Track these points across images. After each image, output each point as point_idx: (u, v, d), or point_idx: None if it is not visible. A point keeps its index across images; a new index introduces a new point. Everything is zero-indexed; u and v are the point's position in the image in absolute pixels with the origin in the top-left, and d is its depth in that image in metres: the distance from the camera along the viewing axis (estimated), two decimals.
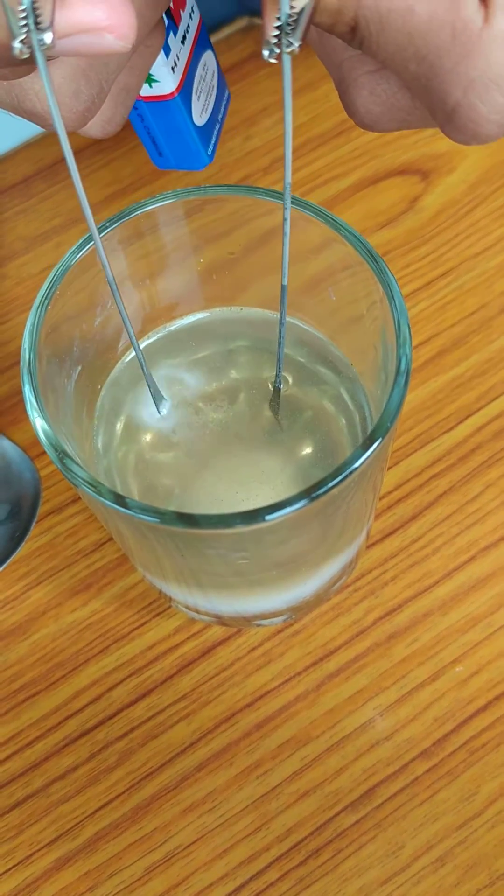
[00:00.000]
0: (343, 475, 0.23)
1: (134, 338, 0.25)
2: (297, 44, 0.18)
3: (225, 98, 0.35)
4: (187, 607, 0.33)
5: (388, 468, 0.36)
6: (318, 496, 0.22)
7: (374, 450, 0.23)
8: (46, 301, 0.24)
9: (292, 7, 0.18)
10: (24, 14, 0.17)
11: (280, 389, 0.30)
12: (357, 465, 0.23)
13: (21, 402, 0.38)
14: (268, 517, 0.22)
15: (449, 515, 0.36)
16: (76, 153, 0.44)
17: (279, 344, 0.27)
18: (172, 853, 0.31)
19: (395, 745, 0.32)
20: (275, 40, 0.18)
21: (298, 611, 0.33)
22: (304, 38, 0.18)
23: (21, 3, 0.17)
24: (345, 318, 0.29)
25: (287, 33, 0.18)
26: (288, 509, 0.22)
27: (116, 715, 0.33)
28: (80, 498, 0.37)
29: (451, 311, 0.39)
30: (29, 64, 0.19)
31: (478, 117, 0.20)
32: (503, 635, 0.34)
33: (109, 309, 0.27)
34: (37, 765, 0.33)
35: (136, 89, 0.26)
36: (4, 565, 0.35)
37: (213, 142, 0.33)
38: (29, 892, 0.31)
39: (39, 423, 0.23)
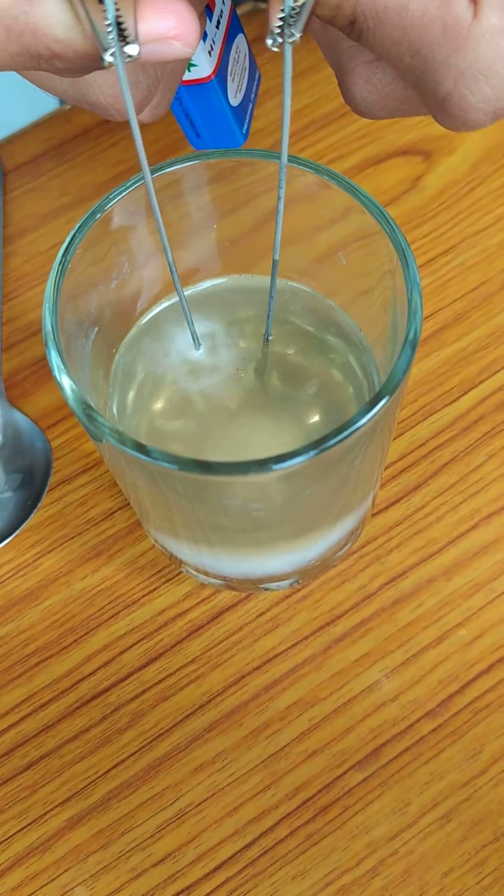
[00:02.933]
0: (350, 430, 0.24)
1: (176, 275, 0.26)
2: (298, 35, 0.20)
3: (256, 78, 0.36)
4: (197, 570, 0.33)
5: (393, 439, 0.37)
6: (325, 448, 0.23)
7: (381, 408, 0.24)
8: (66, 261, 0.25)
9: (295, 0, 0.19)
10: (109, 28, 0.19)
11: (269, 342, 0.31)
12: (363, 421, 0.24)
13: (31, 374, 0.39)
14: (275, 466, 0.23)
15: (452, 485, 0.36)
16: (86, 132, 0.44)
17: (269, 310, 0.28)
18: (184, 811, 0.32)
19: (400, 706, 0.33)
20: (278, 31, 0.20)
21: (305, 575, 0.34)
22: (305, 30, 0.20)
23: (106, 18, 0.19)
24: (357, 287, 0.29)
25: (290, 24, 0.19)
26: (296, 459, 0.23)
27: (128, 678, 0.34)
28: (90, 468, 0.37)
29: (454, 287, 0.40)
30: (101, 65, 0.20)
31: (467, 106, 0.21)
32: None
33: (126, 273, 0.28)
34: (50, 726, 0.33)
35: (181, 74, 0.27)
36: (16, 533, 0.36)
37: (247, 121, 0.34)
38: (43, 850, 0.32)
39: (66, 382, 0.24)
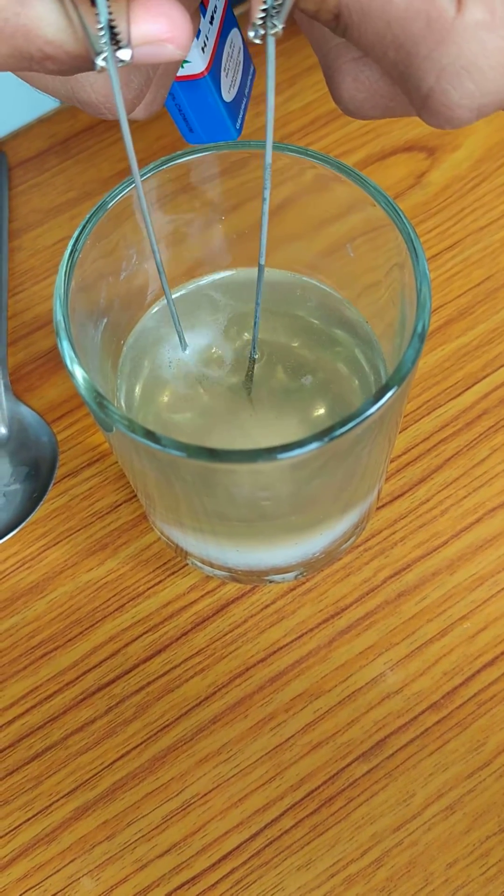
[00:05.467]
0: (357, 420, 0.24)
1: (163, 273, 0.26)
2: (280, 26, 0.20)
3: (251, 73, 0.36)
4: (202, 562, 0.33)
5: (398, 433, 0.37)
6: (333, 437, 0.23)
7: (388, 399, 0.24)
8: (77, 251, 0.25)
9: None
10: (102, 32, 0.19)
11: (254, 361, 0.31)
12: (371, 411, 0.24)
13: (37, 368, 0.39)
14: (283, 454, 0.23)
15: (456, 478, 0.36)
16: (90, 128, 0.44)
17: (254, 321, 0.28)
18: (189, 802, 0.32)
19: (405, 698, 0.33)
20: (260, 22, 0.20)
21: (310, 567, 0.34)
22: (287, 22, 0.20)
23: (98, 22, 0.18)
24: (365, 280, 0.30)
25: (272, 16, 0.19)
26: (304, 448, 0.23)
27: (133, 670, 0.34)
28: (96, 461, 0.37)
29: (458, 282, 0.40)
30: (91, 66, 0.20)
31: (450, 102, 0.21)
32: None
33: (134, 265, 0.28)
34: (55, 718, 0.34)
35: (174, 72, 0.27)
36: (22, 526, 0.36)
37: (240, 116, 0.34)
38: (48, 840, 0.32)
39: (79, 372, 0.24)
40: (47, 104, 0.45)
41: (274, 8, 0.19)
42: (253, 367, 0.31)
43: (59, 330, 0.24)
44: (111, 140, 0.44)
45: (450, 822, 0.32)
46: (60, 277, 0.25)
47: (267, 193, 0.24)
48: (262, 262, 0.26)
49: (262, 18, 0.20)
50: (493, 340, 0.39)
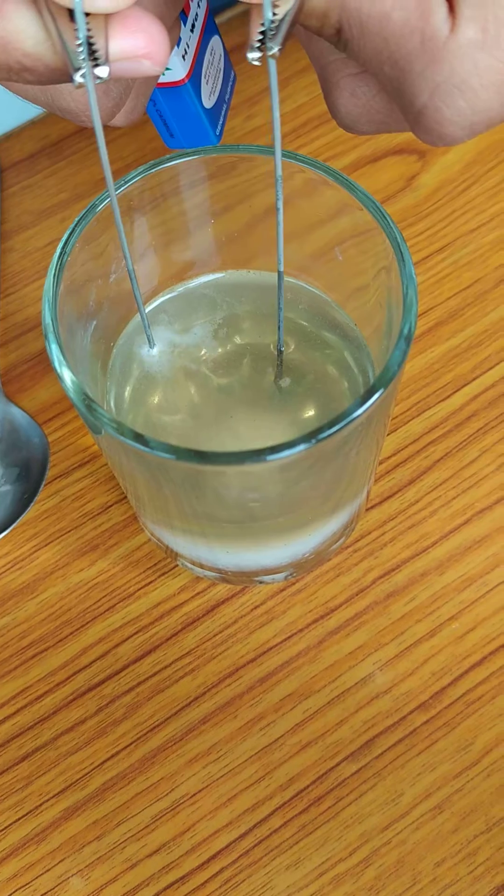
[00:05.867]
0: (344, 422, 0.24)
1: (135, 282, 0.26)
2: (277, 48, 0.20)
3: (231, 79, 0.36)
4: (192, 563, 0.34)
5: (387, 434, 0.37)
6: (320, 439, 0.24)
7: (375, 401, 0.24)
8: (66, 254, 0.25)
9: (275, 14, 0.19)
10: (80, 48, 0.19)
11: (282, 352, 0.31)
12: (358, 413, 0.24)
13: (28, 370, 0.39)
14: (271, 456, 0.23)
15: (445, 480, 0.37)
16: (81, 130, 0.45)
17: (279, 309, 0.28)
18: (178, 802, 0.32)
19: (393, 698, 0.33)
20: (258, 44, 0.20)
21: (300, 568, 0.34)
22: (284, 44, 0.20)
23: (77, 38, 0.19)
24: (353, 283, 0.30)
25: (270, 38, 0.20)
26: (292, 450, 0.23)
27: (123, 670, 0.34)
28: (86, 462, 0.38)
29: (448, 284, 0.40)
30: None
31: (442, 119, 0.21)
32: (498, 594, 0.35)
33: (123, 267, 0.28)
34: (45, 718, 0.34)
35: (154, 81, 0.28)
36: (13, 527, 0.36)
37: (220, 122, 0.35)
38: (38, 841, 0.32)
39: (67, 374, 0.24)
40: (39, 107, 0.45)
41: (271, 30, 0.20)
42: (281, 360, 0.31)
43: (47, 333, 0.25)
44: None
45: (438, 822, 0.32)
46: (49, 280, 0.25)
47: (280, 204, 0.24)
48: (281, 269, 0.26)
49: (259, 41, 0.20)
50: (483, 343, 0.39)
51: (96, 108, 0.21)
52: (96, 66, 0.19)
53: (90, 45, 0.19)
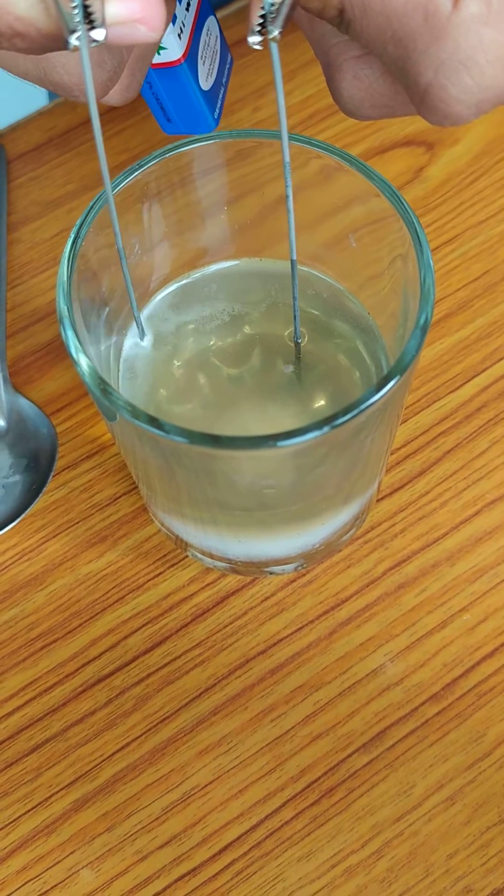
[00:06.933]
0: (357, 410, 0.24)
1: (129, 278, 0.26)
2: (278, 32, 0.20)
3: (228, 62, 0.35)
4: (202, 553, 0.33)
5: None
6: (335, 426, 0.23)
7: (390, 388, 0.24)
8: (79, 240, 0.25)
9: None
10: (76, 10, 0.18)
11: (299, 344, 0.31)
12: (373, 400, 0.24)
13: (36, 361, 0.39)
14: (285, 442, 0.23)
15: (456, 471, 0.37)
16: (86, 122, 0.44)
17: (293, 298, 0.28)
18: (189, 794, 0.32)
19: (405, 690, 0.33)
20: (259, 28, 0.20)
21: (310, 559, 0.34)
22: (285, 27, 0.20)
23: (72, 1, 0.18)
24: (367, 271, 0.30)
25: (270, 22, 0.20)
26: (306, 436, 0.23)
27: (133, 662, 0.34)
28: (95, 453, 0.37)
29: (457, 276, 0.40)
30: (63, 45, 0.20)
31: (448, 97, 0.21)
32: None
33: (137, 254, 0.28)
34: (55, 710, 0.33)
35: (150, 57, 0.27)
36: (21, 518, 0.36)
37: (218, 105, 0.34)
38: (48, 832, 0.32)
39: (83, 360, 0.24)
40: (46, 97, 0.45)
41: (271, 13, 0.19)
42: (299, 350, 0.31)
43: (62, 319, 0.24)
44: (110, 133, 0.44)
45: (450, 813, 0.32)
46: (63, 267, 0.25)
47: (289, 191, 0.24)
48: (294, 257, 0.26)
49: (260, 24, 0.20)
50: (493, 334, 0.39)
51: (90, 75, 0.20)
52: (92, 28, 0.19)
53: (86, 6, 0.19)
